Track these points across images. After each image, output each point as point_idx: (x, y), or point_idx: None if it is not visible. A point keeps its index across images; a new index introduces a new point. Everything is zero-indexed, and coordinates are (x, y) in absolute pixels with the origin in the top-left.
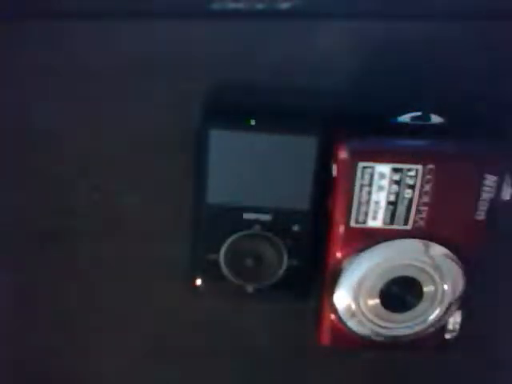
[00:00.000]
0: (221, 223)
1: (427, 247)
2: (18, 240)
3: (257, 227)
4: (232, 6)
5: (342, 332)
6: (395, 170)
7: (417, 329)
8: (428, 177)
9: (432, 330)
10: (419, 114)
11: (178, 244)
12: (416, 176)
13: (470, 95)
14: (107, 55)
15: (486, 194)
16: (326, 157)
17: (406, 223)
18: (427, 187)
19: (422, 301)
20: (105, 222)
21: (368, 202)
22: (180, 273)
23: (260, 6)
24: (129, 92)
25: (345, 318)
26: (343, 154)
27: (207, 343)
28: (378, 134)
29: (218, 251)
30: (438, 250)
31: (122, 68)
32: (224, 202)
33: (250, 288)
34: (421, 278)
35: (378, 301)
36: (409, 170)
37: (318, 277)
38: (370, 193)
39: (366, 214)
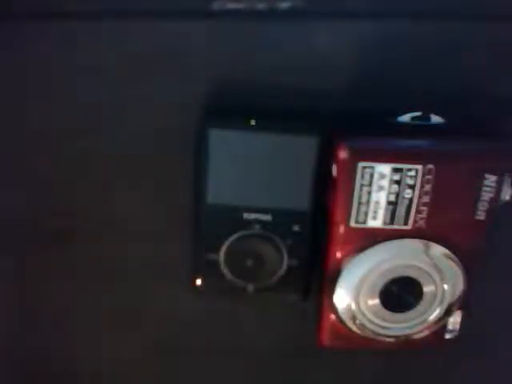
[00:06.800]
0: (221, 223)
1: (427, 247)
2: (19, 240)
3: (257, 227)
4: (232, 6)
5: (341, 332)
6: (395, 170)
7: (417, 329)
8: (428, 177)
9: (432, 329)
10: (419, 113)
11: (178, 244)
12: (416, 176)
13: (469, 95)
14: (107, 55)
15: (486, 194)
16: (326, 157)
17: (406, 223)
18: (427, 187)
19: (421, 301)
20: (105, 222)
21: (368, 202)
22: (180, 273)
23: (260, 6)
24: (129, 92)
25: (345, 317)
26: (343, 154)
27: (207, 343)
28: (377, 134)
29: (217, 251)
30: (437, 250)
31: (122, 68)
32: (224, 202)
33: (250, 288)
34: (421, 278)
35: (377, 301)
36: (409, 170)
37: (318, 277)
38: (369, 193)
39: (366, 214)
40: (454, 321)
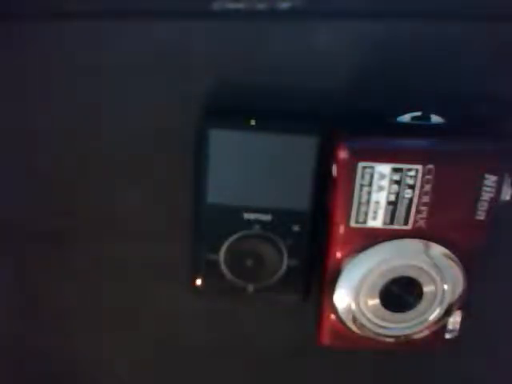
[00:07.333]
0: (221, 223)
1: (427, 247)
2: (18, 240)
3: (257, 227)
4: (232, 5)
5: (341, 332)
6: (395, 170)
7: (417, 329)
8: (428, 177)
9: (432, 329)
10: (419, 113)
11: (178, 244)
12: (416, 176)
13: (469, 95)
14: (107, 55)
15: (486, 194)
16: (326, 157)
17: (406, 223)
18: (427, 187)
19: (421, 301)
20: (105, 222)
21: (368, 202)
22: (180, 273)
23: (260, 6)
24: (129, 92)
25: (345, 317)
26: (343, 154)
27: (207, 343)
28: (377, 134)
29: (217, 251)
30: (437, 250)
31: (122, 68)
32: (224, 202)
33: (250, 288)
34: (421, 278)
35: (377, 301)
36: (409, 170)
37: (318, 277)
38: (369, 193)
39: (366, 214)
40: (454, 321)
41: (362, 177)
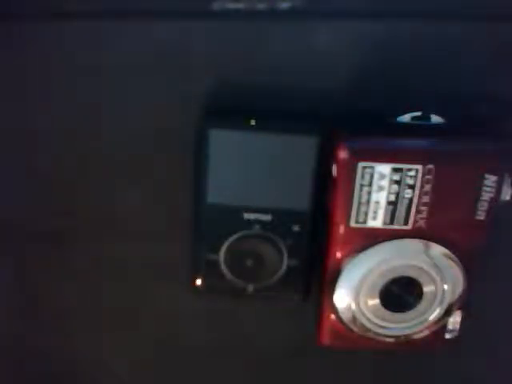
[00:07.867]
0: (221, 223)
1: (427, 247)
2: (18, 240)
3: (257, 227)
4: (232, 5)
5: (341, 332)
6: (395, 170)
7: (417, 329)
8: (428, 177)
9: (432, 329)
10: (419, 113)
11: (178, 244)
12: (416, 176)
13: (469, 95)
14: (107, 55)
15: (486, 194)
16: (326, 157)
17: (406, 223)
18: (427, 187)
19: (421, 301)
20: (105, 221)
21: (368, 202)
22: (180, 273)
23: (260, 6)
24: (129, 92)
25: (345, 317)
26: (343, 154)
27: (207, 343)
28: (377, 134)
29: (217, 251)
30: (437, 250)
31: (122, 68)
32: (224, 202)
33: (250, 288)
34: (421, 278)
35: (377, 301)
36: (409, 170)
37: (318, 277)
38: (369, 193)
39: (366, 214)
40: (454, 321)
41: (362, 177)
